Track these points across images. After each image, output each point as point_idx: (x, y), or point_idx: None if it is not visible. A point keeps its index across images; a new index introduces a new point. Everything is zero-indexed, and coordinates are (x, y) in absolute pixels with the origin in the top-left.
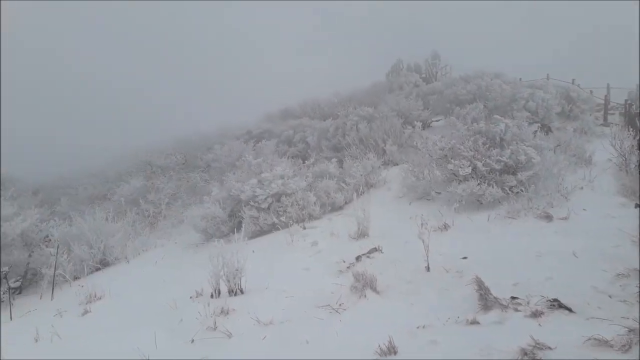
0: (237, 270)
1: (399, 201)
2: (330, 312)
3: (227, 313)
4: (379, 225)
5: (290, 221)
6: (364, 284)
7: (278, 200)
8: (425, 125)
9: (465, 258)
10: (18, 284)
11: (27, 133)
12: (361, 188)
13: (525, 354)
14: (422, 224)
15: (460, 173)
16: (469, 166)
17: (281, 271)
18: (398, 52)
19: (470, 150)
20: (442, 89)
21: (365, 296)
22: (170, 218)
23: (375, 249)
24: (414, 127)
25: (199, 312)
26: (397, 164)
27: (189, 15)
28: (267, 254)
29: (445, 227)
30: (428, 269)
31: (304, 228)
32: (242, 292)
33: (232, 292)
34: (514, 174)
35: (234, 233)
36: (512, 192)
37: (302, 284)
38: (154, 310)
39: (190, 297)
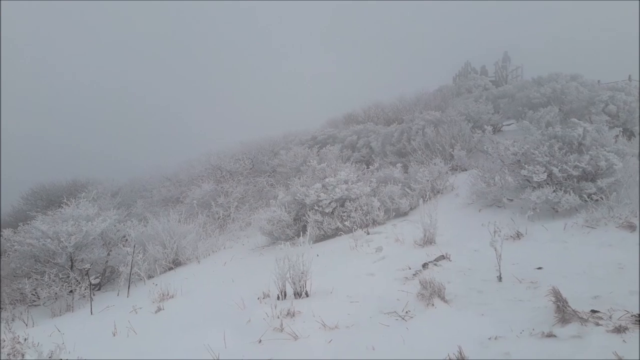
0: (302, 273)
1: (468, 208)
2: (397, 319)
3: (293, 315)
4: (446, 232)
5: (354, 226)
6: (432, 292)
7: (342, 205)
8: (496, 130)
9: (540, 268)
10: (97, 280)
11: (106, 142)
12: (427, 194)
13: None
14: (494, 232)
15: (535, 179)
16: (544, 172)
17: (345, 276)
18: (466, 55)
19: (546, 155)
20: (513, 92)
21: (432, 304)
22: (238, 221)
23: (442, 257)
24: (483, 131)
25: (266, 313)
26: (466, 170)
27: (250, 20)
28: (331, 259)
29: (518, 235)
30: (500, 278)
31: (368, 233)
32: (307, 295)
33: (298, 295)
34: (593, 180)
35: (299, 236)
36: (591, 199)
37: (367, 290)
38: (223, 310)
39: (258, 298)
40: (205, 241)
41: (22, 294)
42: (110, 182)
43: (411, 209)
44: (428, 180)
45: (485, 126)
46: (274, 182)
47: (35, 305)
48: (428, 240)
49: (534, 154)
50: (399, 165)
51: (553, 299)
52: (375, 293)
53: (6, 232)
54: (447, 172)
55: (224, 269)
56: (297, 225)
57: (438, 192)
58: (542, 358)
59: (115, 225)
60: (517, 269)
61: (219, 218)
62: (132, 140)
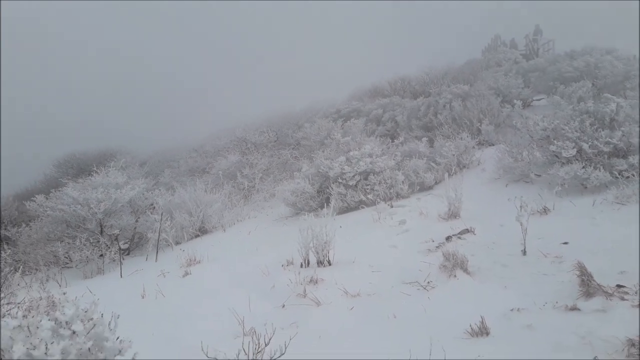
0: (325, 242)
1: (494, 183)
2: (418, 289)
3: (316, 282)
4: (472, 206)
5: (378, 199)
6: (454, 264)
7: (366, 179)
8: (526, 104)
9: (566, 243)
10: (126, 246)
11: (133, 115)
12: (453, 168)
13: (633, 345)
14: (521, 206)
15: (564, 155)
16: (574, 148)
17: (368, 247)
18: (495, 29)
19: (576, 131)
20: (544, 65)
21: (455, 276)
22: (262, 192)
23: (467, 230)
24: (513, 105)
25: (289, 280)
26: (493, 145)
27: None
28: (353, 230)
29: (545, 210)
30: (524, 252)
31: (391, 206)
32: (329, 264)
33: (320, 264)
34: (624, 157)
35: (322, 208)
36: (621, 176)
37: (389, 261)
38: (247, 276)
39: (282, 266)
40: (231, 211)
41: (55, 256)
42: (139, 153)
43: (436, 183)
44: (454, 155)
45: (515, 101)
46: (298, 154)
47: (68, 267)
48: (452, 214)
49: (563, 129)
50: (424, 139)
51: (578, 272)
52: (397, 264)
53: (39, 198)
54: (473, 147)
55: (248, 238)
56: (320, 197)
57: (464, 166)
58: (565, 330)
59: (143, 194)
60: (543, 244)
61: (243, 189)
62: (159, 113)
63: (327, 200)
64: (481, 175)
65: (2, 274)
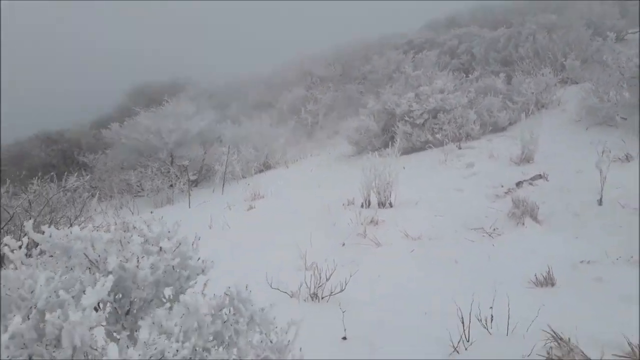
0: (388, 183)
1: (574, 125)
2: (483, 236)
3: (377, 223)
4: (547, 150)
5: (446, 139)
6: (524, 211)
7: (434, 117)
8: (619, 38)
9: None
10: (195, 177)
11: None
12: (530, 108)
13: None
14: (602, 151)
15: None
16: None
17: (432, 190)
18: None
19: None
20: None
21: (523, 224)
22: (326, 129)
23: (539, 176)
24: (604, 38)
25: (350, 219)
26: (577, 83)
27: None
28: (418, 172)
29: (628, 158)
30: (600, 202)
31: (460, 148)
32: (391, 205)
33: (382, 205)
34: None
35: (386, 148)
36: None
37: (454, 205)
38: (309, 213)
39: (343, 205)
40: (294, 147)
41: (128, 184)
42: (207, 85)
43: (510, 123)
44: (533, 93)
45: (608, 33)
46: (364, 89)
47: (140, 196)
48: (526, 158)
49: None
50: (501, 74)
51: None
52: (462, 208)
53: (114, 126)
54: (555, 85)
55: (310, 175)
56: (384, 136)
57: (542, 106)
58: (637, 285)
59: (212, 125)
60: (621, 194)
61: (307, 125)
62: (227, 43)
63: (392, 140)
64: (560, 116)
65: (81, 199)
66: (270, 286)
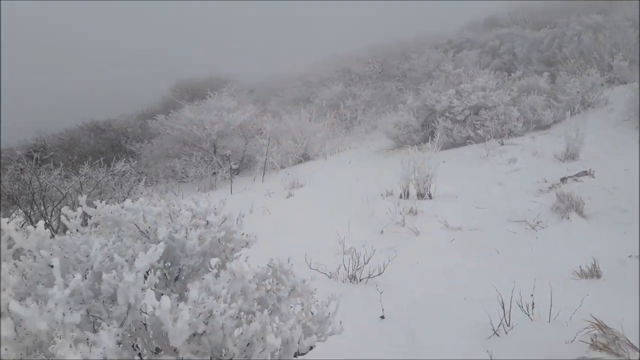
0: (427, 176)
1: (622, 125)
2: (526, 228)
3: (416, 213)
4: (593, 149)
5: (487, 136)
6: (569, 206)
7: (476, 114)
8: None
9: None
10: (236, 166)
11: (241, 39)
12: (576, 107)
13: None
14: None
15: None
16: None
17: (472, 184)
18: None
19: None
20: None
21: (568, 218)
22: (364, 124)
23: (585, 173)
24: None
25: (388, 209)
26: (625, 83)
27: None
28: (458, 166)
29: None
30: None
31: (502, 144)
32: (430, 197)
33: (420, 196)
34: None
35: (425, 143)
36: None
37: (495, 198)
38: (347, 202)
39: (381, 195)
40: (332, 140)
41: (173, 170)
42: (246, 81)
43: (555, 122)
44: (578, 92)
45: None
46: (402, 87)
47: (184, 181)
48: (570, 155)
49: None
50: (545, 74)
51: None
52: (503, 202)
53: (159, 117)
54: (602, 85)
55: (349, 167)
56: (424, 131)
57: (589, 105)
58: None
59: (252, 119)
60: None
61: (345, 120)
62: (265, 38)
63: (432, 135)
64: (608, 116)
65: (128, 183)
66: (309, 267)
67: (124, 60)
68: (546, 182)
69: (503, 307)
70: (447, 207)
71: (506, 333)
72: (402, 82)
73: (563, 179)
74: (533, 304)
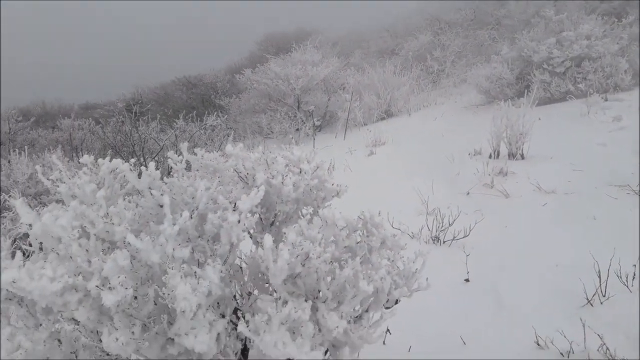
0: (520, 134)
1: None
2: (628, 193)
3: (506, 174)
4: None
5: (590, 90)
6: None
7: (578, 65)
8: None
9: None
10: (319, 122)
11: None
12: None
13: None
14: None
15: None
16: None
17: (569, 143)
18: None
19: None
20: None
21: None
22: (452, 77)
23: None
24: None
25: (476, 169)
26: None
27: None
28: (555, 124)
29: None
30: None
31: (606, 100)
32: (522, 157)
33: (512, 156)
34: None
35: (519, 97)
36: None
37: (595, 160)
38: (431, 161)
39: (468, 154)
40: (417, 95)
41: (259, 126)
42: (331, 33)
43: None
44: None
45: None
46: (496, 35)
47: (270, 137)
48: None
49: None
50: None
51: None
52: (604, 164)
53: (246, 72)
54: None
55: (434, 124)
56: (518, 85)
57: None
58: None
59: (335, 73)
60: None
61: (432, 73)
62: None
63: (527, 89)
64: None
65: (218, 137)
66: (392, 226)
67: (212, 14)
68: None
69: (599, 276)
70: (541, 168)
71: (601, 303)
72: (497, 31)
73: None
74: (635, 274)
